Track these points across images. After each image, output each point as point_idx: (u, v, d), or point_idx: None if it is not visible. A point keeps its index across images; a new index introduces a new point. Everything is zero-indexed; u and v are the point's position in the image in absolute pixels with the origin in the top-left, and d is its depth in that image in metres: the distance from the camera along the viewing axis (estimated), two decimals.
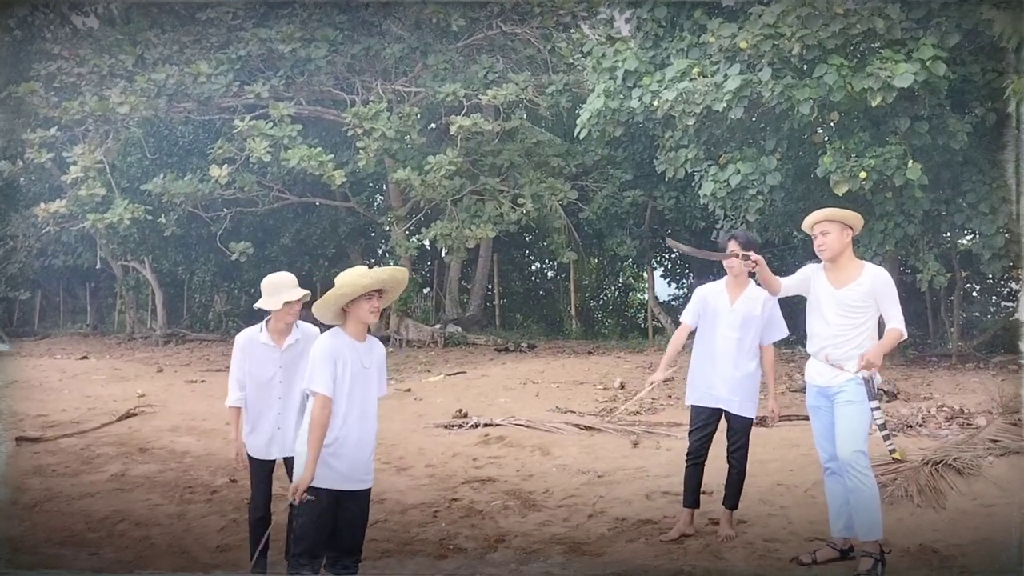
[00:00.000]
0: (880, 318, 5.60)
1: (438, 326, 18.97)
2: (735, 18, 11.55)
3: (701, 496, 6.38)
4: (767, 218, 12.97)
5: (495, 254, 21.38)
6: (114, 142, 16.05)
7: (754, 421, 6.35)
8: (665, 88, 11.63)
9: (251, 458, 5.76)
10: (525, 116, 17.22)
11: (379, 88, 16.15)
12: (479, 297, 21.36)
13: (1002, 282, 16.66)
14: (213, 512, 7.39)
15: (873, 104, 10.38)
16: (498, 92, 15.12)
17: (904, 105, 10.95)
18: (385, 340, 16.88)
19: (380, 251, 24.47)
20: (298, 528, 4.76)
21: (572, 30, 17.30)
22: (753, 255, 5.67)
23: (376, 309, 4.77)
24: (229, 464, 8.47)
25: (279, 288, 5.50)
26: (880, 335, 5.58)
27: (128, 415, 11.35)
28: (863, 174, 10.81)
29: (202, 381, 14.65)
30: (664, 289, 22.63)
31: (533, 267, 25.58)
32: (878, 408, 5.49)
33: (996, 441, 7.47)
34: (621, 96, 12.32)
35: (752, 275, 6.27)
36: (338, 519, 4.76)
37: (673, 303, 22.47)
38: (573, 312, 21.46)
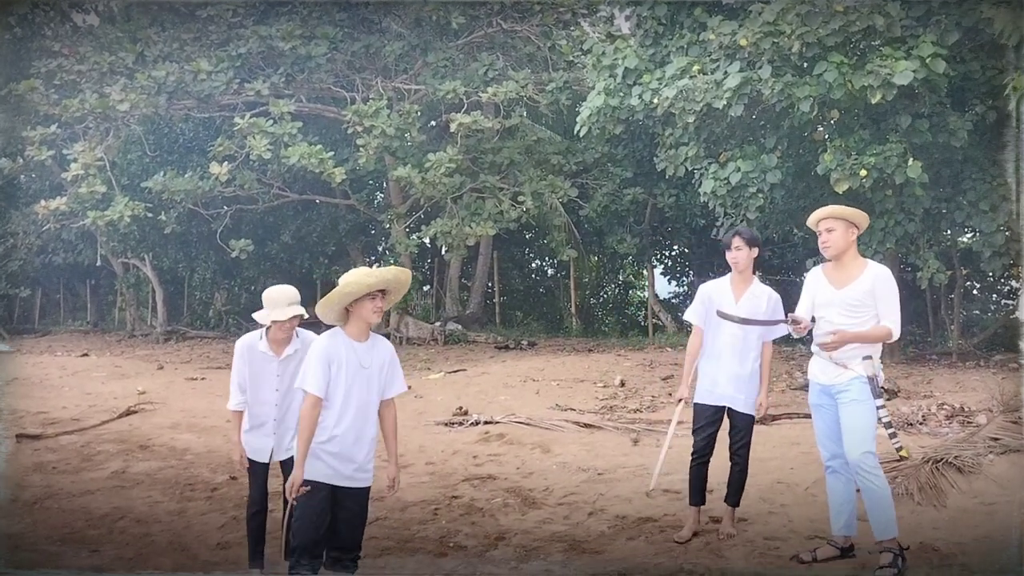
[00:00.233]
0: None
1: (438, 324, 18.97)
2: (735, 16, 11.55)
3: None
4: (767, 216, 12.98)
5: (495, 252, 21.39)
6: (114, 139, 16.06)
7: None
8: (665, 86, 11.64)
9: (248, 458, 5.79)
10: (525, 114, 17.24)
11: (379, 86, 16.15)
12: (479, 295, 21.37)
13: (1002, 280, 16.67)
14: (213, 509, 7.39)
15: (873, 102, 10.38)
16: (498, 90, 15.12)
17: (904, 103, 10.95)
18: (386, 338, 16.88)
19: (380, 248, 24.47)
20: (296, 522, 4.78)
21: (572, 28, 17.30)
22: (803, 322, 5.58)
23: (379, 309, 4.79)
24: (229, 462, 8.51)
25: (274, 304, 5.48)
26: None
27: (128, 412, 11.35)
28: (863, 172, 10.82)
29: (202, 378, 14.66)
30: (664, 287, 22.68)
31: (533, 265, 25.60)
32: (883, 406, 5.46)
33: (996, 439, 7.47)
34: (621, 94, 12.32)
35: (755, 272, 6.31)
36: (336, 516, 4.77)
37: (673, 301, 22.49)
38: (573, 310, 21.46)
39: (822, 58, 10.60)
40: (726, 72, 11.12)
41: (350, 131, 15.38)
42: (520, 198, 15.92)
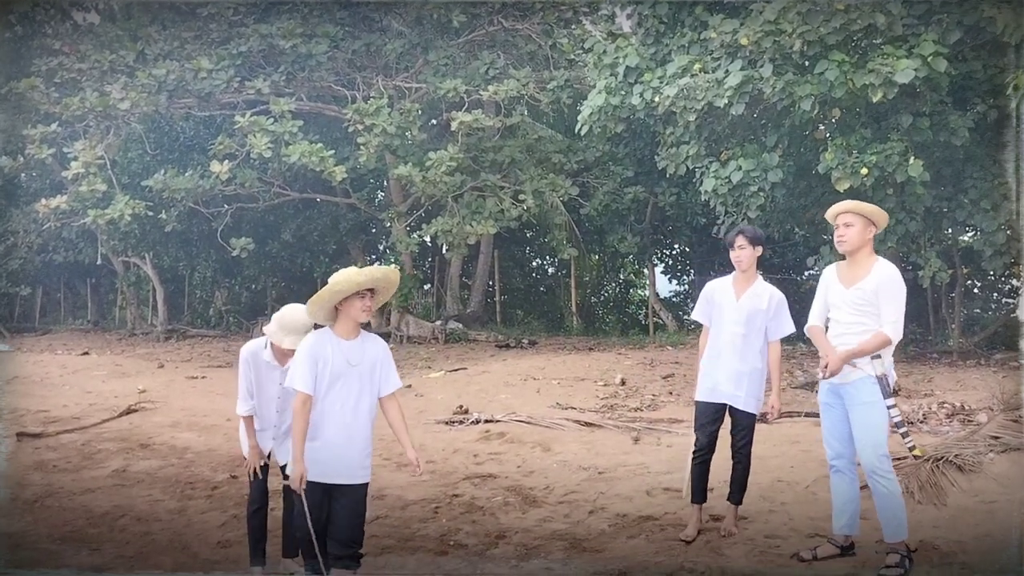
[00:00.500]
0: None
1: (439, 322, 18.97)
2: (736, 14, 11.54)
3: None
4: (768, 214, 12.97)
5: (496, 250, 21.39)
6: (115, 138, 16.05)
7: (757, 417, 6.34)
8: (666, 84, 11.63)
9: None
10: (526, 112, 17.23)
11: (380, 84, 16.14)
12: (480, 293, 21.37)
13: (1003, 279, 16.69)
14: (214, 508, 7.40)
15: (874, 100, 10.37)
16: (499, 88, 15.11)
17: (905, 101, 10.94)
18: (386, 336, 16.89)
19: (381, 247, 24.51)
20: (294, 521, 4.91)
21: (573, 26, 17.29)
22: (829, 365, 5.51)
23: (368, 308, 4.85)
24: (230, 460, 8.53)
25: (290, 331, 5.42)
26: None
27: (129, 411, 11.35)
28: (864, 170, 10.81)
29: (203, 377, 14.67)
30: (665, 285, 22.69)
31: (534, 263, 25.61)
32: (894, 406, 5.41)
33: (997, 438, 7.47)
34: (622, 92, 12.32)
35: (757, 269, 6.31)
36: (335, 513, 4.82)
37: (674, 299, 22.50)
38: (574, 308, 21.46)
39: (823, 57, 10.59)
40: (727, 71, 11.11)
41: (351, 129, 15.38)
42: (521, 197, 15.92)
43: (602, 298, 24.32)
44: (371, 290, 4.83)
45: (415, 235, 17.66)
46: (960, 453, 7.03)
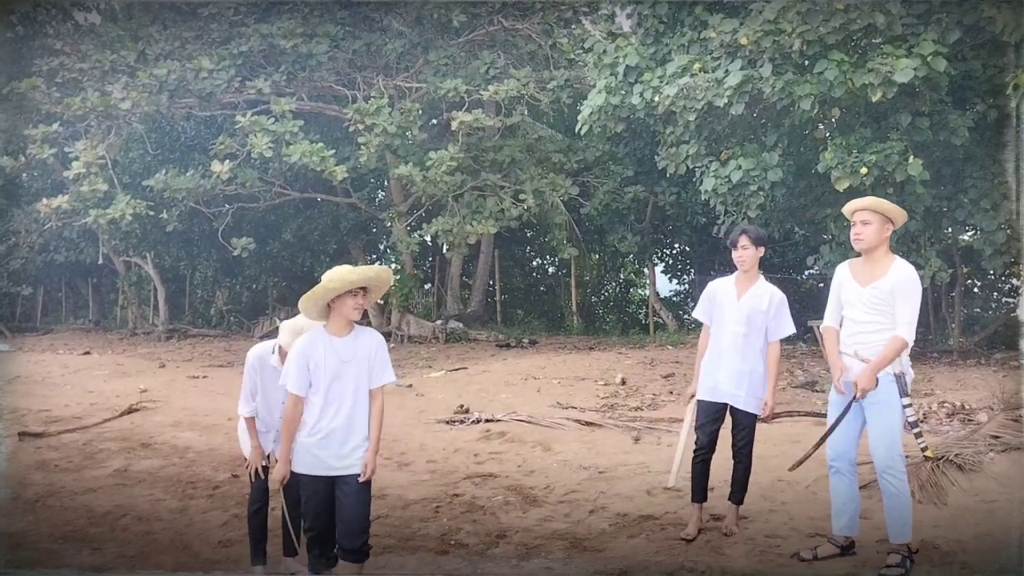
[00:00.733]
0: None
1: (439, 322, 18.99)
2: (736, 14, 11.54)
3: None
4: (768, 214, 12.98)
5: (496, 250, 21.40)
6: (116, 138, 16.06)
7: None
8: (666, 84, 11.63)
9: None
10: (526, 112, 17.23)
11: (380, 84, 16.15)
12: (480, 293, 21.38)
13: (1003, 278, 16.69)
14: (215, 507, 7.41)
15: (874, 100, 10.37)
16: (499, 88, 15.12)
17: (905, 101, 10.95)
18: (387, 336, 16.90)
19: (381, 247, 24.53)
20: (303, 518, 5.04)
21: (573, 26, 17.30)
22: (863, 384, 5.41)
23: (360, 306, 4.91)
24: (231, 460, 8.54)
25: (294, 335, 5.46)
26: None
27: (130, 411, 11.36)
28: (864, 170, 10.81)
29: (204, 377, 14.67)
30: (665, 285, 22.69)
31: (534, 263, 25.61)
32: (909, 405, 5.36)
33: (997, 437, 7.47)
34: (622, 92, 12.32)
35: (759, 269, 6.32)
36: (340, 504, 4.89)
37: (674, 299, 22.51)
38: (574, 308, 21.48)
39: (823, 56, 10.59)
40: (727, 70, 11.12)
41: (351, 129, 15.39)
42: (521, 196, 15.93)
43: (602, 297, 24.32)
44: (363, 288, 4.89)
45: (415, 235, 17.67)
46: (960, 452, 7.03)
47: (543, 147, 17.28)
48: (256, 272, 23.42)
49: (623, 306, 24.23)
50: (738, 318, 6.22)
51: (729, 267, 6.42)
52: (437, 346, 17.70)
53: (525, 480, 7.87)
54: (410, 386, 12.67)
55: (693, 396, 6.45)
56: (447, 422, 10.24)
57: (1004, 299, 16.93)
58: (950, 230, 13.56)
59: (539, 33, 16.45)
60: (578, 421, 9.79)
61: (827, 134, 12.01)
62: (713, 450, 6.30)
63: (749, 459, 6.28)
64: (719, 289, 6.38)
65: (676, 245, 22.49)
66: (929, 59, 10.13)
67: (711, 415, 6.29)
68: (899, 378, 5.34)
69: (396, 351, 16.01)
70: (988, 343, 14.43)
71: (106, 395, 12.69)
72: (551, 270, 24.95)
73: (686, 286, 22.56)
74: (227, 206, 17.45)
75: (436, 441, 9.43)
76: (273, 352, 5.68)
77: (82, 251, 22.34)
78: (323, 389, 4.87)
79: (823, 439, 5.58)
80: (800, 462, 5.64)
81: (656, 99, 11.74)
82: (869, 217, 5.47)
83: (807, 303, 17.11)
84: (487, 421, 9.99)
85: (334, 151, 15.26)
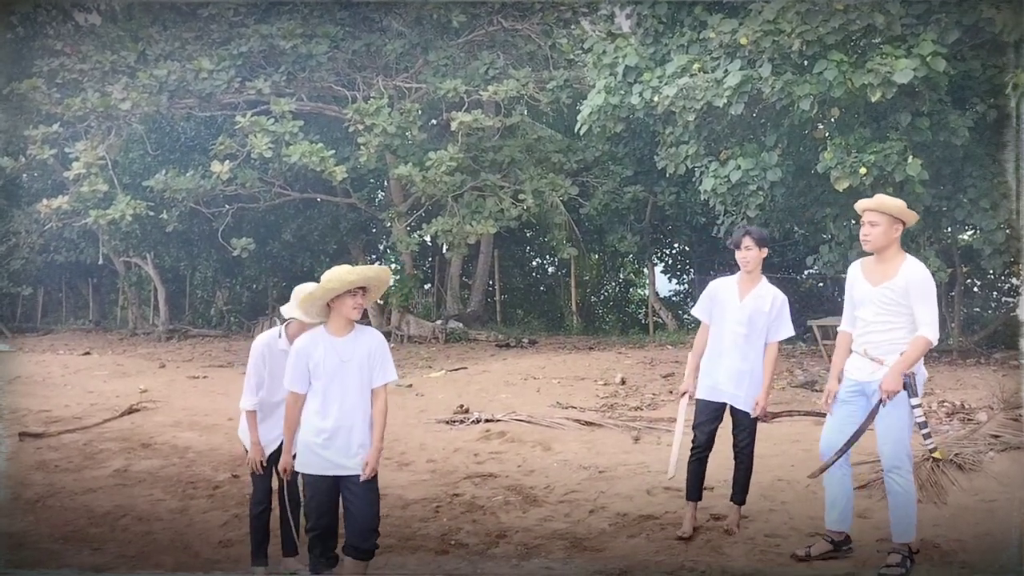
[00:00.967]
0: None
1: (439, 322, 18.99)
2: (735, 14, 11.55)
3: (704, 492, 6.39)
4: (767, 214, 12.99)
5: (496, 250, 21.40)
6: (116, 138, 16.07)
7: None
8: (666, 84, 11.63)
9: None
10: (526, 112, 17.25)
11: (380, 84, 16.15)
12: (480, 293, 21.39)
13: (1003, 278, 16.69)
14: (215, 507, 7.41)
15: (873, 100, 10.37)
16: (499, 88, 15.13)
17: (904, 101, 10.95)
18: (387, 336, 16.87)
19: (381, 247, 24.53)
20: (304, 508, 5.09)
21: (573, 26, 17.30)
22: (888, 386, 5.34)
23: (359, 306, 4.94)
24: (231, 459, 8.54)
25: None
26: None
27: (130, 411, 11.37)
28: (863, 170, 10.81)
29: (204, 377, 14.68)
30: (665, 285, 22.69)
31: (534, 263, 25.61)
32: (919, 405, 5.32)
33: (997, 437, 7.48)
34: (622, 92, 12.32)
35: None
36: (348, 503, 4.93)
37: (674, 299, 22.51)
38: (574, 308, 21.48)
39: (822, 56, 10.59)
40: (726, 70, 11.12)
41: (351, 129, 15.40)
42: (521, 196, 15.94)
43: (602, 297, 24.33)
44: (363, 288, 4.92)
45: (415, 235, 17.68)
46: (960, 452, 7.05)
47: (543, 147, 17.28)
48: (256, 272, 23.44)
49: (623, 306, 24.23)
50: (740, 318, 6.22)
51: (728, 267, 6.43)
52: (437, 346, 17.71)
53: (525, 480, 7.87)
54: (410, 386, 12.68)
55: (685, 393, 6.46)
56: (447, 422, 10.24)
57: (1004, 298, 16.93)
58: (949, 229, 13.56)
59: (538, 33, 16.45)
60: (578, 421, 9.79)
61: (826, 134, 12.01)
62: (710, 449, 6.31)
63: (750, 459, 6.29)
64: (721, 288, 6.39)
65: (676, 245, 22.49)
66: (928, 59, 10.13)
67: (710, 414, 6.30)
68: (910, 378, 5.30)
69: (396, 351, 15.97)
70: (988, 342, 14.44)
71: (106, 395, 12.70)
72: (551, 270, 24.95)
73: (686, 286, 22.57)
74: (227, 206, 17.45)
75: (436, 441, 9.43)
76: (280, 336, 5.68)
77: (82, 251, 22.35)
78: (324, 388, 4.90)
79: (847, 447, 5.53)
80: (822, 469, 5.61)
81: (655, 99, 11.75)
82: (876, 218, 5.43)
83: (807, 303, 17.15)
84: (487, 421, 9.99)
85: (334, 151, 15.27)
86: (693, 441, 6.33)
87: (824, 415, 5.79)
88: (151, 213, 15.79)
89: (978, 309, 16.83)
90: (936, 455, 5.84)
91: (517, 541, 6.36)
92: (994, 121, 11.43)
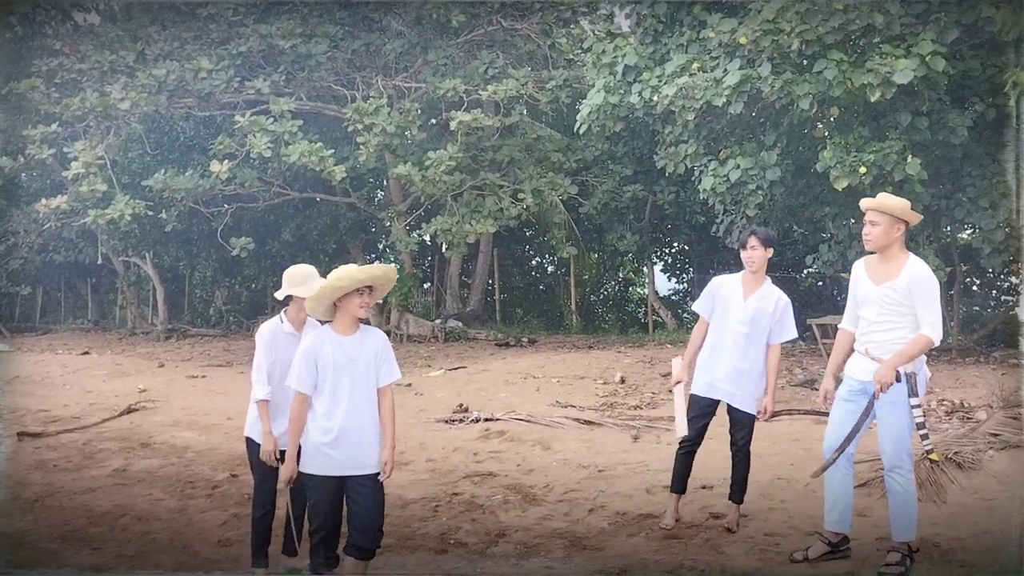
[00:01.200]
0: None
1: (439, 321, 18.99)
2: (735, 13, 11.55)
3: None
4: (767, 213, 12.98)
5: (495, 249, 21.40)
6: (115, 138, 16.05)
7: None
8: (665, 83, 11.63)
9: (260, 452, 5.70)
10: (525, 111, 17.24)
11: (379, 84, 16.15)
12: (479, 292, 21.39)
13: (1002, 277, 16.70)
14: (214, 507, 7.41)
15: (872, 99, 10.38)
16: (498, 88, 15.13)
17: (904, 100, 10.94)
18: (386, 335, 16.89)
19: (381, 246, 24.52)
20: (311, 517, 5.03)
21: (572, 26, 17.30)
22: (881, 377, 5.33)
23: (366, 304, 4.94)
24: (231, 459, 8.54)
25: (295, 282, 5.53)
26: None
27: (129, 410, 11.37)
28: (863, 169, 10.81)
29: (203, 376, 14.69)
30: (664, 284, 22.70)
31: (533, 262, 25.62)
32: (918, 406, 5.29)
33: (996, 435, 7.48)
34: (621, 91, 12.33)
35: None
36: (354, 504, 4.91)
37: (673, 297, 22.52)
38: (573, 307, 21.48)
39: (822, 56, 10.59)
40: (726, 70, 11.12)
41: (350, 129, 15.39)
42: (520, 195, 15.94)
43: (601, 296, 24.33)
44: (369, 287, 4.91)
45: (415, 234, 17.68)
46: (959, 451, 7.05)
47: (542, 146, 17.28)
48: (255, 272, 23.44)
49: (622, 305, 24.24)
50: (743, 318, 6.22)
51: (727, 266, 6.44)
52: (436, 345, 17.70)
53: (524, 479, 7.87)
54: (409, 385, 12.67)
55: (679, 383, 6.43)
56: (446, 421, 10.24)
57: (1003, 297, 16.94)
58: (948, 228, 13.56)
59: (538, 33, 16.45)
60: (577, 420, 9.79)
61: (826, 133, 12.01)
62: (699, 444, 6.34)
63: (748, 458, 6.30)
64: (725, 285, 6.37)
65: (675, 244, 22.50)
66: (928, 59, 10.13)
67: (703, 409, 6.32)
68: (910, 378, 5.28)
69: (395, 350, 15.75)
70: (987, 341, 14.44)
71: (105, 395, 12.69)
72: (550, 269, 24.96)
73: (685, 285, 22.58)
74: (226, 206, 17.44)
75: (435, 440, 9.43)
76: (282, 321, 5.67)
77: (81, 251, 22.33)
78: (331, 387, 4.87)
79: (845, 444, 5.53)
80: (824, 468, 5.61)
81: (655, 98, 11.75)
82: (877, 218, 5.42)
83: (806, 302, 17.15)
84: (486, 420, 9.99)
85: (333, 151, 15.26)
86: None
87: (824, 414, 5.78)
88: (150, 213, 15.77)
89: (977, 308, 16.84)
90: (933, 457, 5.80)
91: (516, 540, 6.36)
92: (993, 120, 11.44)
